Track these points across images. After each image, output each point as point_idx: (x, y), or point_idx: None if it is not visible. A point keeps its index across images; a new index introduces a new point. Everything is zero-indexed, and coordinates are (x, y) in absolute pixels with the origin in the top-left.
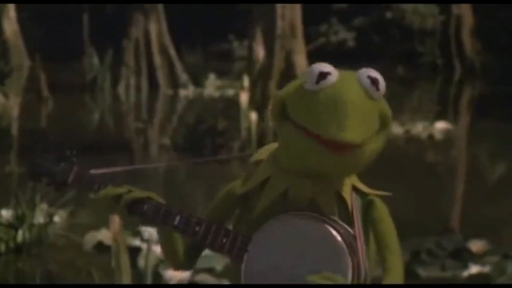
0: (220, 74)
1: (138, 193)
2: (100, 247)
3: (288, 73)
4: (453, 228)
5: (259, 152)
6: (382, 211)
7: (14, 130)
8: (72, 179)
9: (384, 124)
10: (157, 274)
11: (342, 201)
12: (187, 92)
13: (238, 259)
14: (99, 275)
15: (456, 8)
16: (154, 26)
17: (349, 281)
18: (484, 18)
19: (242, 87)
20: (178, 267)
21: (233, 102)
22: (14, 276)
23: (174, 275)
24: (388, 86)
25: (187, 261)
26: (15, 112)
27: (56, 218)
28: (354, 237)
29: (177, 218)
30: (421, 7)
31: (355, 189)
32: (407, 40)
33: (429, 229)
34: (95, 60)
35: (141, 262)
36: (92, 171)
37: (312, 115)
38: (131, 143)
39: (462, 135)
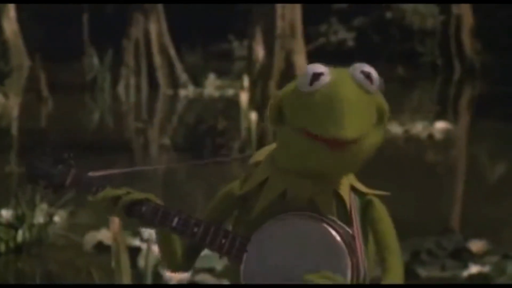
0: (220, 74)
1: (136, 194)
2: (100, 247)
3: (288, 73)
4: (453, 228)
5: (258, 153)
6: (380, 210)
7: (14, 130)
8: (70, 181)
9: (381, 117)
10: (157, 274)
11: (340, 201)
12: (187, 92)
13: (237, 260)
14: (99, 275)
15: (456, 8)
16: (154, 26)
17: (348, 281)
18: (484, 18)
19: (242, 87)
20: (176, 268)
21: (233, 102)
22: (14, 276)
23: (174, 275)
24: (388, 86)
25: (185, 263)
26: (15, 112)
27: (56, 218)
28: (353, 237)
29: (176, 220)
30: (421, 7)
31: (353, 189)
32: (407, 40)
33: (429, 229)
34: (95, 60)
35: (141, 262)
36: (90, 174)
37: (310, 116)
38: (131, 143)
39: (462, 135)
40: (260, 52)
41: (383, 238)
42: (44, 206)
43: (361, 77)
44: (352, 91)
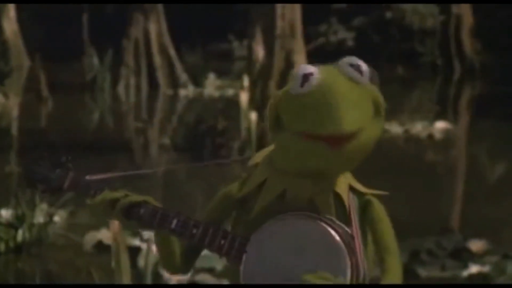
0: (220, 74)
1: (134, 197)
2: (100, 247)
3: (288, 73)
4: (453, 228)
5: (257, 155)
6: (379, 210)
7: (14, 130)
8: (68, 185)
9: (377, 110)
10: (157, 274)
11: (339, 200)
12: (187, 92)
13: (236, 260)
14: (99, 275)
15: (456, 8)
16: (154, 26)
17: (348, 281)
18: (484, 18)
19: (242, 87)
20: (174, 270)
21: (233, 102)
22: (14, 276)
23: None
24: (388, 86)
25: (184, 265)
26: (15, 112)
27: (56, 218)
28: (352, 236)
29: (174, 221)
30: (421, 7)
31: (351, 189)
32: (407, 40)
33: (429, 229)
34: (95, 60)
35: (141, 262)
36: (88, 177)
37: (307, 118)
38: (131, 143)
39: (461, 135)
40: (260, 52)
41: (382, 238)
42: (44, 206)
43: (350, 70)
44: (344, 84)
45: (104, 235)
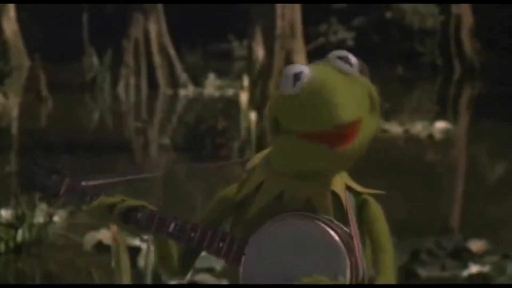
0: (220, 74)
1: (131, 202)
2: (100, 247)
3: None
4: (453, 228)
5: (254, 158)
6: (376, 210)
7: (14, 130)
8: (64, 191)
9: (373, 103)
10: (157, 274)
11: (337, 200)
12: (187, 92)
13: (235, 263)
14: (99, 275)
15: (455, 8)
16: (154, 26)
17: (347, 281)
18: (484, 18)
19: (242, 87)
20: (172, 274)
21: (233, 102)
22: (14, 276)
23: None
24: (388, 86)
25: (182, 269)
26: (15, 112)
27: (56, 218)
28: (351, 236)
29: (172, 225)
30: (421, 7)
31: (348, 188)
32: (407, 40)
33: (429, 229)
34: (95, 60)
35: (141, 262)
36: (84, 183)
37: (304, 117)
38: (131, 143)
39: (461, 135)
40: (260, 52)
41: (377, 237)
42: (44, 206)
43: (340, 63)
44: (336, 77)
45: (104, 235)
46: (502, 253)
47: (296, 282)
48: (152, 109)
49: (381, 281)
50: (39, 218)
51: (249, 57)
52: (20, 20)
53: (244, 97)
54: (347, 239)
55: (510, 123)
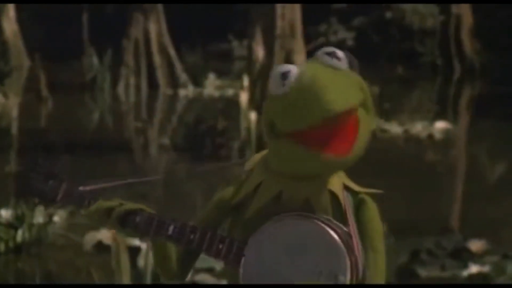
0: (220, 74)
1: (129, 205)
2: (100, 247)
3: None
4: (453, 228)
5: (252, 159)
6: (372, 209)
7: (14, 130)
8: (61, 196)
9: (365, 96)
10: (157, 274)
11: (335, 200)
12: (187, 92)
13: (234, 264)
14: (99, 275)
15: (455, 8)
16: (154, 26)
17: (347, 281)
18: (484, 18)
19: (242, 87)
20: (171, 277)
21: (233, 102)
22: (14, 276)
23: None
24: (388, 86)
25: (180, 271)
26: (15, 112)
27: (56, 218)
28: (350, 235)
29: (171, 228)
30: (421, 7)
31: (345, 187)
32: (407, 40)
33: (429, 229)
34: (95, 60)
35: (141, 262)
36: (81, 188)
37: (295, 115)
38: (131, 143)
39: (461, 135)
40: (260, 52)
41: (372, 237)
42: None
43: (328, 58)
44: (323, 71)
45: (104, 235)
46: (502, 253)
47: (296, 282)
48: (152, 109)
49: (371, 279)
50: (39, 218)
51: (249, 57)
52: (20, 20)
53: (244, 97)
54: (346, 239)
55: (510, 123)
